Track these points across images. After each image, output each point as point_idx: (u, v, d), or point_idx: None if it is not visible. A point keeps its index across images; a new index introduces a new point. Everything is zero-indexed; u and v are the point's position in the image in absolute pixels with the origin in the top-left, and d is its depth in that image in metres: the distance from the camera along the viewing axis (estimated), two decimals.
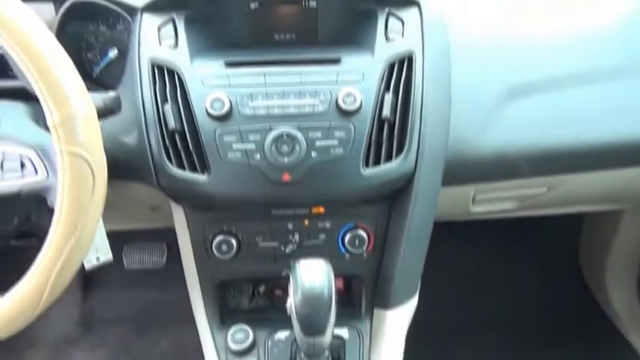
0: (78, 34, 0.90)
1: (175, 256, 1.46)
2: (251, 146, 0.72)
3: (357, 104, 0.73)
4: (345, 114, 0.73)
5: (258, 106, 0.73)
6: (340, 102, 0.73)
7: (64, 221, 0.59)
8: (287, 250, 0.81)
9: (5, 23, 0.54)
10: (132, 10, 0.81)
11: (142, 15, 0.80)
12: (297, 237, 0.80)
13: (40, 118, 0.69)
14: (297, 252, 0.81)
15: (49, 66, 0.55)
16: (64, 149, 0.57)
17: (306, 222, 0.80)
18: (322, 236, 0.81)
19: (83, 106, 0.57)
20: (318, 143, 0.72)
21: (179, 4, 0.80)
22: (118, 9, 0.82)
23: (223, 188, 0.73)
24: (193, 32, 0.80)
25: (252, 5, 0.86)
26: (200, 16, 0.82)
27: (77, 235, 0.60)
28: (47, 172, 0.60)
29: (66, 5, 0.84)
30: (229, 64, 0.77)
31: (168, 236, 1.47)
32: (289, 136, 0.72)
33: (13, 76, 0.92)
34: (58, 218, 0.59)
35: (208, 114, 0.73)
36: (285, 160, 0.71)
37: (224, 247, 0.79)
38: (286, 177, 0.72)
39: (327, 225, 0.80)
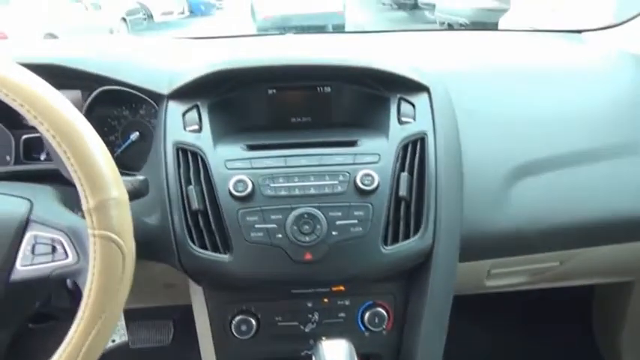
0: (102, 118, 0.95)
1: (181, 335, 1.43)
2: (273, 226, 0.74)
3: (375, 184, 0.75)
4: (364, 194, 0.76)
5: (280, 187, 0.76)
6: (359, 182, 0.76)
7: (92, 305, 0.59)
8: (307, 329, 0.80)
9: (44, 110, 0.57)
10: (158, 97, 0.86)
11: (167, 102, 0.85)
12: (316, 316, 0.80)
13: (67, 201, 0.72)
14: (317, 331, 0.80)
15: (87, 152, 0.58)
16: (97, 234, 0.59)
17: (325, 300, 0.80)
18: (342, 314, 0.81)
19: (117, 192, 0.60)
20: (339, 222, 0.74)
21: (203, 92, 0.85)
22: (145, 96, 0.87)
23: (246, 267, 0.74)
24: (216, 117, 0.84)
25: (270, 91, 0.91)
26: (222, 102, 0.87)
27: (104, 319, 0.60)
28: (77, 256, 0.61)
29: (95, 93, 0.89)
30: (250, 147, 0.81)
31: (174, 314, 1.46)
32: (310, 215, 0.74)
33: (38, 159, 0.96)
34: (87, 302, 0.59)
35: (231, 195, 0.75)
36: (307, 239, 0.73)
37: (243, 327, 0.78)
38: (308, 256, 0.73)
39: (347, 303, 0.81)
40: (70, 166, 0.58)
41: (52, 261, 0.61)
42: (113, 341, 0.78)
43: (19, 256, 0.62)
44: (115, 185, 0.60)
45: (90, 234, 0.59)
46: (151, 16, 12.16)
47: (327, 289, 0.79)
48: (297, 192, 0.76)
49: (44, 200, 0.67)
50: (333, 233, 0.74)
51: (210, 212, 0.75)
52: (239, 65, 0.85)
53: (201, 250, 0.75)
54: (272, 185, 0.76)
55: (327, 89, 0.91)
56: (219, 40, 1.37)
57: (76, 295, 0.75)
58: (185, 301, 0.92)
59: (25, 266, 0.62)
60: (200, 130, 0.81)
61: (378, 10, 12.75)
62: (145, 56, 0.98)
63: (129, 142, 0.97)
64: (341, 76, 0.91)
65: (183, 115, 0.84)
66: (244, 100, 0.90)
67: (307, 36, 1.48)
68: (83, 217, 0.67)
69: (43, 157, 0.97)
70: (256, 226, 0.74)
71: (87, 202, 0.58)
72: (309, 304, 0.80)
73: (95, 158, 0.58)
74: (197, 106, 0.84)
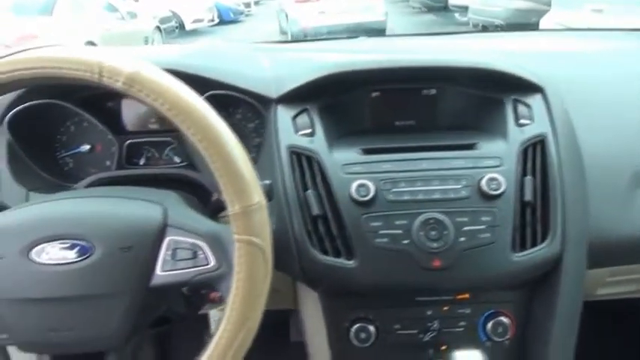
0: None
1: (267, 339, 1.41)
2: (398, 231, 0.72)
3: (502, 189, 0.73)
4: (490, 198, 0.73)
5: (402, 192, 0.74)
6: (484, 187, 0.73)
7: (237, 312, 0.58)
8: (426, 338, 0.78)
9: (192, 116, 0.57)
10: (266, 102, 0.85)
11: (276, 106, 0.84)
12: (436, 324, 0.78)
13: (193, 206, 0.71)
14: (437, 340, 0.78)
15: (232, 159, 0.57)
16: (243, 239, 0.58)
17: (445, 308, 0.78)
18: (462, 323, 0.78)
19: (258, 197, 0.59)
20: (466, 228, 0.72)
21: (312, 95, 0.84)
22: (252, 100, 0.87)
23: (371, 274, 0.72)
24: (325, 121, 0.83)
25: (374, 94, 0.90)
26: (328, 106, 0.86)
27: (248, 326, 0.59)
28: (218, 261, 0.61)
29: (204, 97, 0.89)
30: (366, 151, 0.79)
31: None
32: (437, 221, 0.72)
33: (137, 164, 0.96)
34: (232, 307, 0.58)
35: (352, 200, 0.74)
36: (435, 245, 0.71)
37: (363, 335, 0.76)
38: (436, 263, 0.71)
39: (467, 311, 0.78)
40: (217, 171, 0.57)
41: (194, 267, 0.61)
42: None
43: (159, 262, 0.61)
44: (257, 190, 0.59)
45: (235, 239, 0.58)
46: (182, 24, 12.37)
47: (451, 297, 0.77)
48: (420, 197, 0.74)
49: (175, 205, 0.67)
50: (461, 239, 0.71)
51: (330, 217, 0.74)
52: (349, 68, 0.84)
53: (322, 256, 0.73)
54: (394, 190, 0.74)
55: (432, 91, 0.89)
56: (294, 44, 1.37)
57: (191, 301, 0.75)
58: (287, 306, 0.91)
59: (166, 271, 0.61)
60: (313, 134, 0.80)
61: (406, 13, 12.68)
62: (243, 60, 0.98)
63: None
64: (447, 77, 0.89)
65: (294, 118, 0.83)
66: (349, 103, 0.89)
67: (380, 39, 1.46)
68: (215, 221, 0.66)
69: (142, 161, 0.98)
70: (381, 231, 0.72)
71: (232, 207, 0.57)
72: (429, 312, 0.78)
73: (240, 164, 0.58)
74: (307, 110, 0.83)
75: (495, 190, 0.73)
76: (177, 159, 0.97)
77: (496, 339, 0.77)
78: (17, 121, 0.88)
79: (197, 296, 0.74)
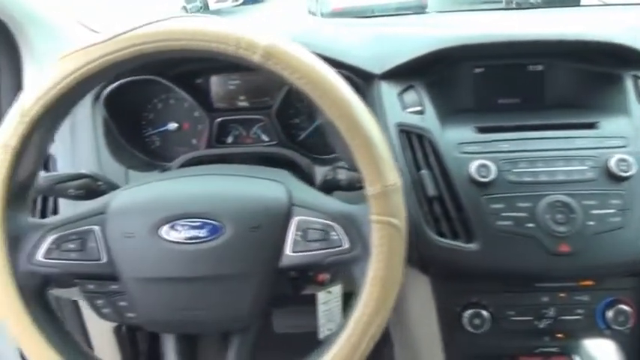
0: (288, 100, 0.92)
1: None
2: (522, 214, 0.69)
3: (633, 170, 0.69)
4: (618, 180, 0.69)
5: (523, 173, 0.71)
6: (613, 168, 0.69)
7: (377, 294, 0.56)
8: (541, 325, 0.75)
9: (333, 95, 0.54)
10: (369, 78, 0.82)
11: (379, 82, 0.81)
12: (552, 311, 0.74)
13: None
14: (551, 327, 0.75)
15: (372, 139, 0.55)
16: (382, 220, 0.55)
17: (562, 295, 0.75)
18: (580, 311, 0.75)
19: (395, 177, 0.56)
20: (594, 212, 0.68)
21: (417, 72, 0.80)
22: (353, 76, 0.83)
23: (493, 258, 0.69)
24: (432, 98, 0.79)
25: (477, 70, 0.86)
26: (433, 83, 0.82)
27: (383, 314, 0.56)
28: (352, 243, 0.58)
29: None
30: (481, 130, 0.76)
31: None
32: (563, 203, 0.68)
33: (225, 142, 0.94)
34: (371, 291, 0.56)
35: (471, 180, 0.70)
36: (562, 229, 0.67)
37: (477, 321, 0.74)
38: (564, 247, 0.67)
39: (586, 299, 0.74)
40: (356, 149, 0.54)
41: (327, 248, 0.58)
42: (330, 330, 0.75)
43: (287, 242, 0.59)
44: (394, 171, 0.56)
45: (373, 220, 0.55)
46: (207, 4, 12.31)
47: (573, 284, 0.73)
48: (543, 178, 0.70)
49: (295, 184, 0.65)
50: (590, 223, 0.68)
51: (447, 198, 0.71)
52: (460, 43, 0.80)
53: (439, 238, 0.70)
54: (514, 170, 0.71)
55: (539, 67, 0.85)
56: (366, 20, 1.31)
57: (297, 283, 0.73)
58: None
59: (297, 252, 0.59)
60: (423, 111, 0.77)
61: None
62: (339, 37, 0.94)
63: (314, 125, 0.94)
64: (555, 52, 0.84)
65: (399, 95, 0.79)
66: (451, 80, 0.85)
67: (451, 14, 1.40)
68: None
69: (230, 140, 0.95)
70: (503, 214, 0.69)
71: (373, 187, 0.55)
72: (545, 299, 0.75)
73: (379, 145, 0.55)
74: (413, 87, 0.80)
75: (625, 171, 0.69)
76: (265, 137, 0.95)
77: (617, 327, 0.74)
78: (112, 98, 0.87)
79: (304, 278, 0.72)
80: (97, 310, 0.62)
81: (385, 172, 0.55)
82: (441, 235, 0.71)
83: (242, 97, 0.94)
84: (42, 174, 0.67)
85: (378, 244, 0.55)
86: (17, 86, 0.97)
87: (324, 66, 0.55)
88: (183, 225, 0.58)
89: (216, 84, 0.93)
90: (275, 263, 0.59)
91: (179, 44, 0.54)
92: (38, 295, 0.59)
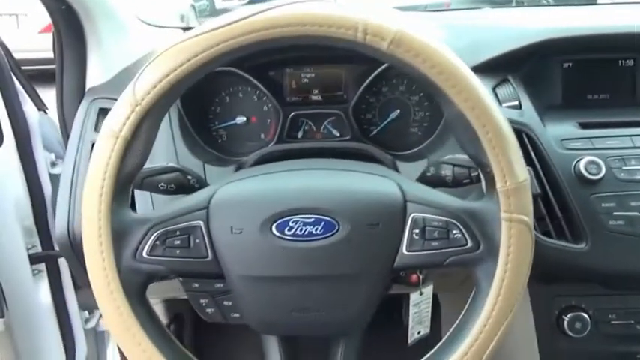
0: (362, 95, 0.89)
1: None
2: (635, 214, 0.66)
3: None
4: None
5: (634, 170, 0.68)
6: None
7: (504, 296, 0.53)
8: None
9: (467, 86, 0.51)
10: None
11: None
12: None
13: None
14: None
15: (506, 135, 0.52)
16: (515, 218, 0.52)
17: None
18: None
19: (526, 173, 0.53)
20: None
21: (510, 65, 0.77)
22: None
23: (603, 258, 0.66)
24: (526, 93, 0.76)
25: (566, 65, 0.83)
26: (524, 77, 0.79)
27: (512, 311, 0.54)
28: (477, 242, 0.55)
29: (382, 67, 0.84)
30: (584, 125, 0.73)
31: None
32: None
33: (296, 138, 0.91)
34: (497, 293, 0.53)
35: (580, 178, 0.67)
36: None
37: (577, 325, 0.71)
38: None
39: None
40: (489, 143, 0.51)
41: (449, 247, 0.55)
42: (419, 332, 0.72)
43: (404, 240, 0.56)
44: (524, 167, 0.53)
45: (504, 218, 0.52)
46: (213, 3, 12.30)
47: None
48: None
49: (403, 180, 0.62)
50: None
51: (552, 197, 0.68)
52: (554, 36, 0.77)
53: (545, 238, 0.67)
54: (625, 168, 0.68)
55: (630, 62, 0.82)
56: (430, 14, 1.28)
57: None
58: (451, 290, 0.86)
59: (414, 251, 0.56)
60: (520, 106, 0.74)
61: None
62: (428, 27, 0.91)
63: (388, 120, 0.92)
64: None
65: (494, 89, 0.76)
66: (540, 75, 0.82)
67: (505, 10, 1.37)
68: None
69: (300, 135, 0.92)
70: (615, 213, 0.66)
71: (504, 183, 0.52)
72: None
73: (511, 139, 0.52)
74: (508, 80, 0.77)
75: None
76: (335, 132, 0.92)
77: None
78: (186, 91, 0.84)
79: (396, 277, 0.69)
80: (200, 309, 0.60)
81: (517, 167, 0.52)
82: (546, 234, 0.68)
83: (315, 91, 0.91)
84: None
85: (507, 243, 0.52)
86: (81, 78, 0.94)
87: (453, 54, 0.52)
88: (296, 221, 0.55)
89: (290, 77, 0.90)
90: (390, 263, 0.56)
91: (302, 30, 0.51)
92: (140, 292, 0.56)
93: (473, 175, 0.64)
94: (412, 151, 0.87)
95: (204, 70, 0.53)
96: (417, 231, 0.55)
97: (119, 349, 1.07)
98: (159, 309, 1.17)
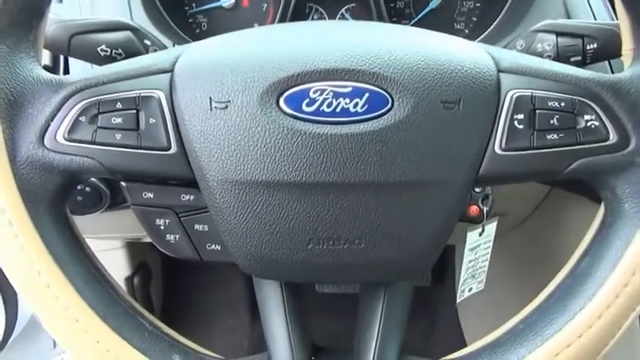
0: None
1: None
2: None
3: None
4: None
5: None
6: None
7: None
8: None
9: None
10: None
11: None
12: None
13: None
14: None
15: None
16: None
17: None
18: None
19: None
20: None
21: None
22: None
23: None
24: None
25: None
26: None
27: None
28: (625, 136, 0.33)
29: None
30: None
31: None
32: None
33: None
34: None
35: None
36: None
37: None
38: None
39: None
40: None
41: (576, 143, 0.33)
42: (470, 289, 0.51)
43: (498, 132, 0.34)
44: None
45: None
46: None
47: None
48: None
49: (486, 45, 0.39)
50: None
51: None
52: None
53: None
54: None
55: None
56: None
57: None
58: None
59: (516, 150, 0.33)
60: None
61: None
62: None
63: (427, 10, 0.69)
64: None
65: None
66: None
67: None
68: None
69: None
70: None
71: None
72: None
73: None
74: None
75: None
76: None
77: None
78: None
79: None
80: (157, 236, 0.37)
81: None
82: None
83: None
84: (53, 18, 0.40)
85: None
86: None
87: None
88: (321, 90, 0.32)
89: None
90: (475, 167, 0.34)
91: None
92: (53, 204, 0.33)
93: (589, 48, 0.41)
94: None
95: None
96: (520, 117, 0.33)
97: None
98: (117, 256, 0.93)
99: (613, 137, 0.33)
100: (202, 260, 0.37)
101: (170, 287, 1.13)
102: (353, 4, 0.68)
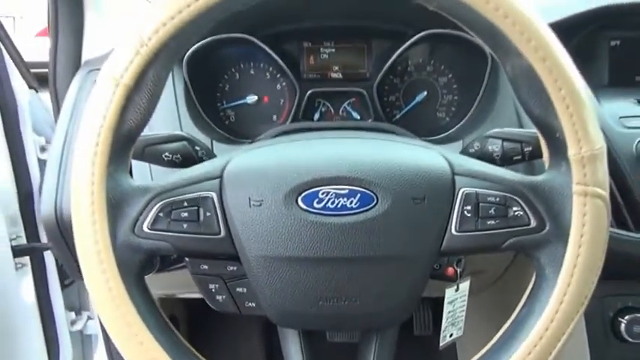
0: (386, 74, 0.81)
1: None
2: None
3: None
4: None
5: None
6: None
7: (577, 286, 0.44)
8: None
9: (542, 42, 0.43)
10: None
11: None
12: None
13: None
14: None
15: (581, 92, 0.44)
16: (589, 191, 0.44)
17: None
18: None
19: (602, 140, 0.45)
20: None
21: (561, 38, 0.70)
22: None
23: None
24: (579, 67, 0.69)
25: (613, 42, 0.75)
26: (571, 54, 0.72)
27: (585, 301, 0.45)
28: (540, 220, 0.46)
29: (416, 38, 0.76)
30: None
31: None
32: None
33: (311, 119, 0.83)
34: (568, 282, 0.44)
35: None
36: None
37: (637, 329, 0.62)
38: None
39: None
40: (561, 105, 0.43)
41: (507, 227, 0.47)
42: (451, 335, 0.63)
43: (453, 219, 0.47)
44: (600, 133, 0.45)
45: (577, 191, 0.44)
46: None
47: None
48: None
49: (447, 151, 0.53)
50: None
51: (611, 180, 0.60)
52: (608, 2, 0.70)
53: (619, 231, 0.59)
54: None
55: None
56: None
57: None
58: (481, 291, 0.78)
59: (465, 232, 0.47)
60: None
61: None
62: None
63: (414, 103, 0.84)
64: None
65: None
66: (587, 53, 0.75)
67: None
68: None
69: (316, 117, 0.84)
70: None
71: (579, 150, 0.43)
72: None
73: (586, 99, 0.44)
74: None
75: None
76: (356, 115, 0.84)
77: None
78: (194, 59, 0.76)
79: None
80: (209, 296, 0.50)
81: (594, 131, 0.44)
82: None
83: (335, 68, 0.83)
84: None
85: (581, 221, 0.44)
86: (76, 51, 0.86)
87: (538, 17, 0.44)
88: (327, 192, 0.46)
89: (308, 52, 0.82)
90: (437, 245, 0.47)
91: None
92: (138, 274, 0.47)
93: (525, 150, 0.55)
94: (439, 136, 0.79)
95: (223, 8, 0.44)
96: (468, 208, 0.47)
97: (108, 352, 0.97)
98: None
99: (533, 223, 0.46)
100: (241, 314, 0.50)
101: (195, 339, 1.25)
102: (353, 99, 0.84)
